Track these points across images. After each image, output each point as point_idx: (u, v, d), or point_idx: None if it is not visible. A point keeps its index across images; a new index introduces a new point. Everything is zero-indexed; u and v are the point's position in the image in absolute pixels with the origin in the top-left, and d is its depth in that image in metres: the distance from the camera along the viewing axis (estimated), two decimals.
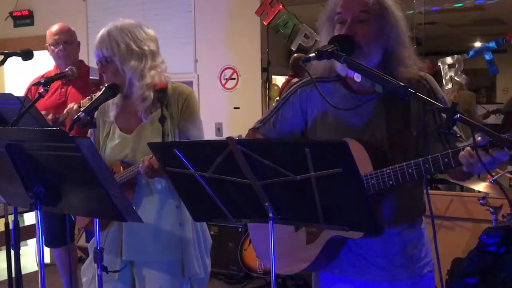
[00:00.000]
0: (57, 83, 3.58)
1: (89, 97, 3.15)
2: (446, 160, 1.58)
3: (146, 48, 2.31)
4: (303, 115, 1.95)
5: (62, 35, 3.66)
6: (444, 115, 1.52)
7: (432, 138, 1.76)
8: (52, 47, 3.67)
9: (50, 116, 3.48)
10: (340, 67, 1.79)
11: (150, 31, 2.37)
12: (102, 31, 2.31)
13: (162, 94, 2.31)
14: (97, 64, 2.32)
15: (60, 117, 3.45)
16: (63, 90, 3.66)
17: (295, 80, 4.64)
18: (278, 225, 1.63)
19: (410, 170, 1.64)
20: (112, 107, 2.38)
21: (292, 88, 2.01)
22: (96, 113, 2.42)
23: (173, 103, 2.32)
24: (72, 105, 3.27)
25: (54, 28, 3.70)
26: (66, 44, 3.66)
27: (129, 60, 2.28)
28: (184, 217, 2.29)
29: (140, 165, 2.16)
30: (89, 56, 5.47)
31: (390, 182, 1.67)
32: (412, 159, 1.66)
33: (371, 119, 1.82)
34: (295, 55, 4.94)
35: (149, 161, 2.12)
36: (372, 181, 1.69)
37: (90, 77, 3.26)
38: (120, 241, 2.31)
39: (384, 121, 1.81)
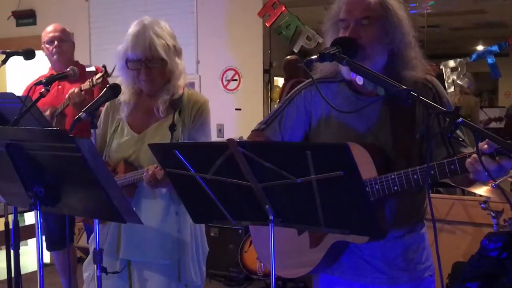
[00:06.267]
0: (54, 84, 3.58)
1: (89, 80, 3.14)
2: (452, 167, 1.55)
3: (178, 46, 2.28)
4: (307, 116, 1.94)
5: (57, 33, 3.72)
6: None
7: (435, 142, 1.75)
8: (47, 45, 3.71)
9: (48, 112, 3.47)
10: (344, 70, 1.78)
11: None
12: (142, 30, 2.18)
13: (177, 98, 2.28)
14: (132, 63, 2.20)
15: (58, 108, 3.45)
16: (59, 87, 3.66)
17: (292, 82, 4.66)
18: (281, 228, 1.62)
19: (415, 176, 1.62)
20: (123, 106, 2.32)
21: (296, 88, 1.99)
22: (107, 105, 2.38)
23: (186, 110, 2.28)
24: (73, 90, 3.25)
25: (49, 27, 3.76)
26: (61, 42, 3.70)
27: (174, 59, 2.23)
28: (182, 223, 2.27)
29: (144, 174, 2.12)
30: (91, 55, 5.48)
31: (395, 188, 1.65)
32: (415, 163, 1.64)
33: (375, 122, 1.81)
34: (288, 57, 4.95)
35: (153, 171, 2.08)
36: (377, 187, 1.68)
37: (86, 70, 3.28)
38: (119, 240, 2.30)
39: (388, 124, 1.79)
